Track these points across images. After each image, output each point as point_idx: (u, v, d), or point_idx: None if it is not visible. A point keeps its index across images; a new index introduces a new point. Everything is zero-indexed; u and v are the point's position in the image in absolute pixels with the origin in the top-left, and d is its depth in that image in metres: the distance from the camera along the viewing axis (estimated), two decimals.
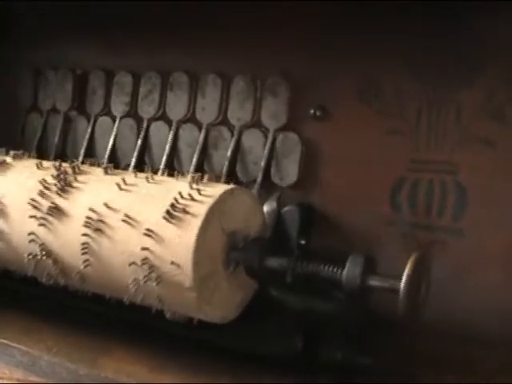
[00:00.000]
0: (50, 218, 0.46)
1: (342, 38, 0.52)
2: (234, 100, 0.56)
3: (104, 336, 0.50)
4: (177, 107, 0.59)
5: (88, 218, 0.44)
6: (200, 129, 0.58)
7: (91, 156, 0.62)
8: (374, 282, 0.40)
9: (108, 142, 0.62)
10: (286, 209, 0.51)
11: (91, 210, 0.44)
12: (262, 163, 0.54)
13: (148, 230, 0.42)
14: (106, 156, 0.62)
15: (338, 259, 0.42)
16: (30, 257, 0.46)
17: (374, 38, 0.51)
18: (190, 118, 0.59)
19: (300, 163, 0.53)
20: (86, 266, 0.45)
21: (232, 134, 0.56)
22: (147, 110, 0.61)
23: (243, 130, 0.56)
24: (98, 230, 0.44)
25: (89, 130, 0.64)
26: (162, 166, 0.58)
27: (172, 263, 0.41)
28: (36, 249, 0.46)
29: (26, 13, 0.68)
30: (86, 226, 0.44)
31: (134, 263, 0.42)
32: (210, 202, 0.42)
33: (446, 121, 0.49)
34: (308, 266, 0.42)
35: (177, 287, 0.42)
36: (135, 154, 0.60)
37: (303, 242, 0.50)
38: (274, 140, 0.54)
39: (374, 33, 0.51)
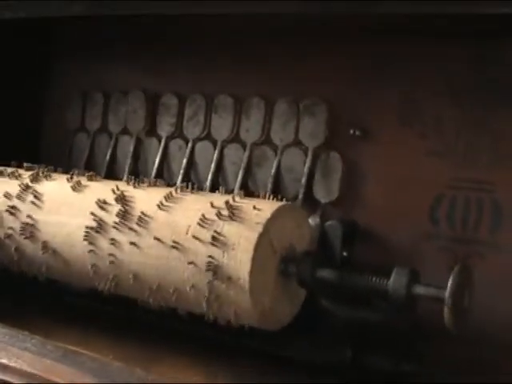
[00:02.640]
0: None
1: (382, 63, 0.57)
2: (277, 121, 0.62)
3: (157, 345, 0.54)
4: (222, 128, 0.65)
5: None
6: (244, 148, 0.63)
7: (138, 174, 0.68)
8: (419, 290, 0.44)
9: (154, 161, 0.68)
10: (328, 223, 0.56)
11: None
12: (303, 180, 0.59)
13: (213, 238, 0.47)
14: (153, 174, 0.67)
15: (380, 271, 0.47)
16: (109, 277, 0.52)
17: (415, 64, 0.56)
18: (235, 138, 0.64)
19: (341, 181, 0.58)
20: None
21: (275, 153, 0.62)
22: (192, 130, 0.66)
23: (285, 149, 0.61)
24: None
25: (131, 149, 0.70)
26: (208, 184, 0.63)
27: (230, 272, 0.46)
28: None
29: (74, 38, 0.75)
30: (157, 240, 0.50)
31: (195, 269, 0.47)
32: (266, 216, 0.47)
33: (482, 141, 0.53)
34: (356, 276, 0.47)
35: (234, 295, 0.46)
36: (181, 171, 0.66)
37: (345, 255, 0.55)
38: (315, 158, 0.60)
39: (414, 58, 0.56)
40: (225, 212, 0.48)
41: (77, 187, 0.56)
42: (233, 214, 0.47)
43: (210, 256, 0.47)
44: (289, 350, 0.50)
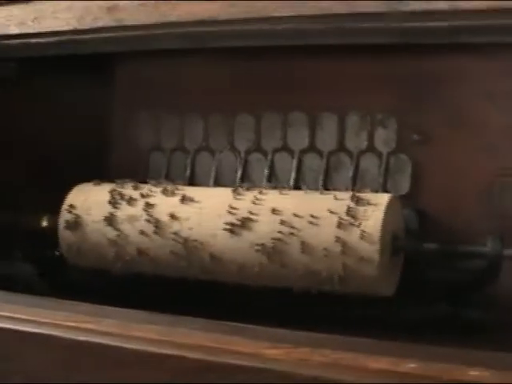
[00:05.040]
0: None
1: (437, 81, 0.75)
2: (350, 131, 0.78)
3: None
4: (298, 140, 0.81)
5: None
6: (321, 157, 0.80)
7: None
8: (509, 252, 0.62)
9: (234, 175, 0.83)
10: (404, 211, 0.73)
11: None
12: (381, 180, 0.76)
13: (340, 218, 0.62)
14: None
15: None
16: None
17: (462, 78, 0.74)
18: (312, 148, 0.80)
19: (410, 178, 0.76)
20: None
21: (351, 160, 0.78)
22: (271, 143, 0.82)
23: (360, 155, 0.78)
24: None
25: (211, 165, 0.84)
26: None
27: (362, 251, 0.62)
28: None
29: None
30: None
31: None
32: (384, 202, 0.63)
33: None
34: (455, 247, 0.64)
35: (363, 268, 0.62)
36: (264, 180, 0.81)
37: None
38: (388, 162, 0.77)
39: (461, 78, 0.74)
40: (351, 202, 0.64)
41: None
42: (357, 201, 0.64)
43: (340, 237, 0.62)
44: (399, 313, 0.67)
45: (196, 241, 0.67)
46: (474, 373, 0.49)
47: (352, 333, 0.56)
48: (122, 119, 0.91)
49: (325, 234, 0.63)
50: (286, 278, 0.65)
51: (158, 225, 0.68)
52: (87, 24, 0.76)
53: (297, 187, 0.79)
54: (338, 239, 0.62)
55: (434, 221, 0.75)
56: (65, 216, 0.74)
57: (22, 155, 0.90)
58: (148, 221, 0.69)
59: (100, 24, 0.75)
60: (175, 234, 0.67)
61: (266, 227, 0.65)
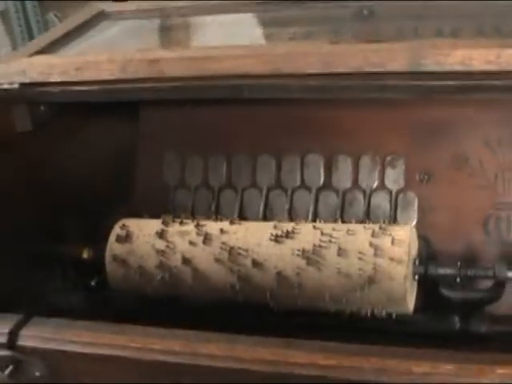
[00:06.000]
0: None
1: (441, 128, 0.89)
2: (363, 172, 0.91)
3: None
4: (315, 179, 0.92)
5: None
6: (337, 194, 0.92)
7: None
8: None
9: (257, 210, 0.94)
10: None
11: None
12: (391, 214, 0.89)
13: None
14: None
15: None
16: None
17: (463, 126, 0.88)
18: (328, 186, 0.92)
19: (417, 212, 0.89)
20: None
21: (364, 196, 0.91)
22: (291, 182, 0.94)
23: (372, 192, 0.90)
24: None
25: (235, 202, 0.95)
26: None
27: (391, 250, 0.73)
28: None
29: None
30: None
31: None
32: (407, 230, 0.75)
33: None
34: (467, 270, 0.77)
35: (390, 289, 0.74)
36: (286, 215, 0.92)
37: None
38: (396, 198, 0.89)
39: (461, 123, 0.88)
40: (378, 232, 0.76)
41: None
42: (383, 232, 0.76)
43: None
44: (419, 327, 0.79)
45: (241, 248, 0.77)
46: (501, 371, 0.61)
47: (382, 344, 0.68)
48: (148, 158, 1.01)
49: (360, 241, 0.75)
50: (320, 283, 0.75)
51: (207, 236, 0.79)
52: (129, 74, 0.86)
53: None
54: (371, 244, 0.73)
55: (437, 248, 0.88)
56: (117, 231, 0.83)
57: (51, 192, 0.98)
58: (198, 234, 0.79)
59: (141, 75, 0.86)
60: (223, 243, 0.78)
61: (307, 237, 0.77)
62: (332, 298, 0.75)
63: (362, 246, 0.74)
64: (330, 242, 0.75)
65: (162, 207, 0.97)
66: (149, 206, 0.98)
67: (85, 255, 0.89)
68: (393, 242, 0.73)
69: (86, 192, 1.00)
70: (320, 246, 0.75)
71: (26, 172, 0.94)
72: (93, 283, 0.90)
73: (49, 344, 0.74)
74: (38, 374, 0.75)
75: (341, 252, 0.74)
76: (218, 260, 0.78)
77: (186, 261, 0.79)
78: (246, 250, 0.77)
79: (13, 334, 0.75)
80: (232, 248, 0.77)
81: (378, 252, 0.73)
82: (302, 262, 0.75)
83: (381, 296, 0.74)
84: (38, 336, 0.75)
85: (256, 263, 0.77)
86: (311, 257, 0.75)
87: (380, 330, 0.79)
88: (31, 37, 2.40)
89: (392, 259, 0.73)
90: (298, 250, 0.75)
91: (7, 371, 0.75)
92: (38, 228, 0.92)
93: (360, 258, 0.74)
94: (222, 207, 0.96)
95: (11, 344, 0.75)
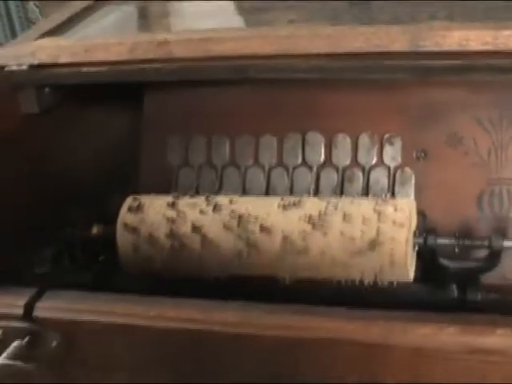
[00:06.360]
0: None
1: (436, 108, 0.93)
2: (362, 149, 0.95)
3: None
4: (315, 157, 0.97)
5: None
6: (337, 171, 0.96)
7: None
8: (508, 243, 0.80)
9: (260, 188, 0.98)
10: None
11: None
12: (389, 190, 0.93)
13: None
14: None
15: None
16: None
17: (458, 106, 0.92)
18: (328, 164, 0.96)
19: (414, 188, 0.93)
20: None
21: (363, 173, 0.95)
22: (292, 160, 0.97)
23: (371, 169, 0.95)
24: None
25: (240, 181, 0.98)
26: None
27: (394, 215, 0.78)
28: None
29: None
30: None
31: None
32: (409, 200, 0.80)
33: (506, 154, 0.91)
34: (467, 240, 0.81)
35: (393, 251, 0.78)
36: (287, 193, 0.96)
37: None
38: (394, 175, 0.94)
39: (456, 104, 0.93)
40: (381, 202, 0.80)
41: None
42: (386, 202, 0.80)
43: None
44: (418, 296, 0.83)
45: (250, 215, 0.82)
46: (500, 331, 0.66)
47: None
48: (152, 140, 1.04)
49: (364, 208, 0.81)
50: (325, 246, 0.79)
51: (217, 206, 0.83)
52: (138, 55, 0.89)
53: None
54: (375, 210, 0.79)
55: (433, 223, 0.92)
56: (129, 202, 0.87)
57: (57, 173, 1.01)
58: (208, 204, 0.84)
59: (150, 56, 0.89)
60: (232, 212, 0.82)
61: (314, 206, 0.82)
62: (336, 263, 0.79)
63: (366, 213, 0.79)
64: (336, 209, 0.79)
65: (166, 188, 1.00)
66: (154, 187, 1.01)
67: (94, 231, 0.91)
68: (395, 209, 0.79)
69: (91, 175, 1.03)
70: (326, 214, 0.79)
71: (32, 156, 0.96)
72: (100, 259, 0.93)
73: (64, 315, 0.78)
74: (54, 343, 0.78)
75: (345, 217, 0.79)
76: (226, 227, 0.82)
77: (195, 229, 0.83)
78: (255, 218, 0.81)
79: (29, 306, 0.78)
80: (241, 216, 0.81)
81: (381, 217, 0.78)
82: (308, 227, 0.80)
83: (383, 259, 0.78)
84: (53, 307, 0.78)
85: (263, 228, 0.81)
86: (317, 222, 0.79)
87: (381, 300, 0.84)
88: (12, 26, 2.42)
89: (394, 223, 0.78)
90: (305, 216, 0.80)
91: (24, 342, 0.78)
92: (44, 210, 0.95)
93: (364, 223, 0.78)
94: (225, 185, 1.00)
95: (27, 316, 0.78)
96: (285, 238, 0.80)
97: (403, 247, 0.78)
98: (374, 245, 0.78)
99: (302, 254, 0.80)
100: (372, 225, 0.78)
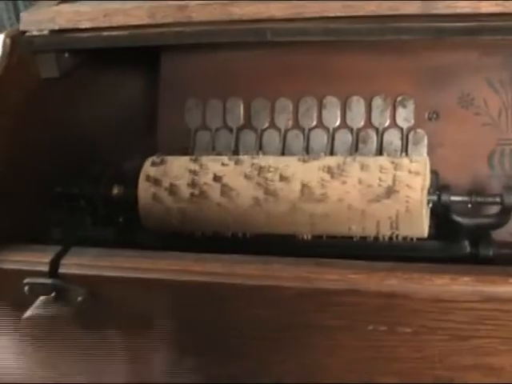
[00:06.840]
0: None
1: (448, 70, 0.96)
2: (375, 111, 0.98)
3: None
4: (330, 119, 0.99)
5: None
6: (351, 132, 0.98)
7: None
8: None
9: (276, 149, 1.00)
10: None
11: None
12: (402, 150, 0.96)
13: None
14: None
15: None
16: None
17: (469, 68, 0.95)
18: (342, 125, 0.99)
19: (426, 149, 0.96)
20: None
21: (377, 134, 0.98)
22: (308, 122, 1.00)
23: (384, 130, 0.97)
24: None
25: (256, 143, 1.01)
26: None
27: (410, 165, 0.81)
28: None
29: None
30: None
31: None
32: (425, 158, 0.83)
33: None
34: (480, 197, 0.84)
35: (408, 199, 0.81)
36: (303, 154, 0.99)
37: None
38: (407, 135, 0.97)
39: (466, 66, 0.95)
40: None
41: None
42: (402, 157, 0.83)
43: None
44: (432, 250, 0.87)
45: (270, 166, 0.85)
46: None
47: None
48: (169, 103, 1.07)
49: (382, 160, 0.85)
50: (343, 193, 0.82)
51: (238, 160, 0.87)
52: (157, 19, 0.91)
53: None
54: (392, 162, 0.83)
55: (445, 182, 0.95)
56: (152, 158, 0.90)
57: (77, 136, 1.03)
58: (230, 158, 0.88)
59: (169, 20, 0.91)
60: (253, 164, 0.86)
61: (333, 158, 0.86)
62: (353, 211, 0.82)
63: (384, 163, 0.83)
64: (354, 161, 0.84)
65: (184, 150, 1.03)
66: (171, 149, 1.03)
67: (115, 191, 0.94)
68: (411, 161, 0.83)
69: (110, 138, 1.05)
70: (344, 163, 0.83)
71: (52, 120, 0.99)
72: (121, 220, 0.96)
73: (89, 271, 0.81)
74: (79, 299, 0.81)
75: (363, 167, 0.82)
76: (247, 176, 0.85)
77: (216, 178, 0.86)
78: (276, 168, 0.85)
79: (54, 263, 0.82)
80: (262, 167, 0.85)
81: (397, 166, 0.82)
82: (327, 176, 0.83)
83: (399, 206, 0.81)
84: (77, 264, 0.82)
85: (283, 177, 0.84)
86: (336, 171, 0.83)
87: (397, 255, 0.87)
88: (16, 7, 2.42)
89: (410, 171, 0.81)
90: (324, 167, 0.84)
91: (50, 297, 0.81)
92: (66, 172, 0.97)
93: (381, 171, 0.82)
94: (241, 148, 1.02)
95: (53, 272, 0.81)
96: (303, 186, 0.83)
97: (419, 195, 0.81)
98: (390, 191, 0.80)
99: (320, 202, 0.83)
100: (389, 173, 0.81)
